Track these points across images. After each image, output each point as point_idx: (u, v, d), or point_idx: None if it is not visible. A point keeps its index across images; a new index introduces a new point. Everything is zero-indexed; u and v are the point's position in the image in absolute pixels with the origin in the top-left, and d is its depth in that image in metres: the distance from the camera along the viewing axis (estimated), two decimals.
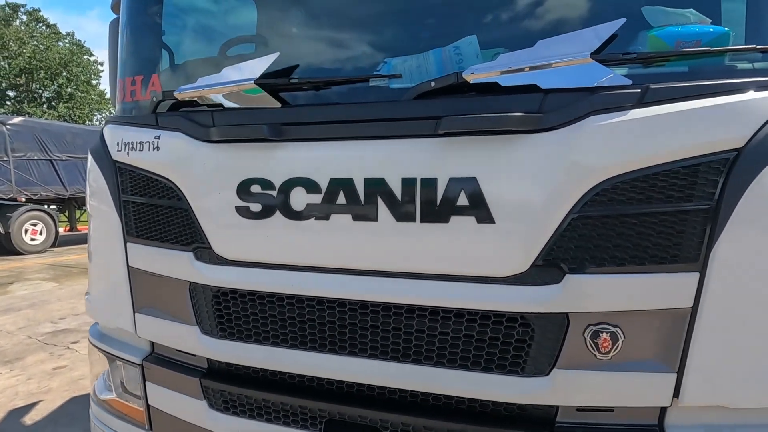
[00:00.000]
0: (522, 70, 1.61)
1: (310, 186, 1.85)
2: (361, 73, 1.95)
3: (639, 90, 1.53)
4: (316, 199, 1.85)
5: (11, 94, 38.34)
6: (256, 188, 1.94)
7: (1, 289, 9.84)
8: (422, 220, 1.71)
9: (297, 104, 1.99)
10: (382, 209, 1.76)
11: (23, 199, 14.50)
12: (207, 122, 2.04)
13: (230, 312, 2.06)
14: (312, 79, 1.92)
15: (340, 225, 1.82)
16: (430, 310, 1.75)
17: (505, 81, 1.63)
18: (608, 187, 1.54)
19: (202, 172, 2.04)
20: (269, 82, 1.93)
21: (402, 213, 1.74)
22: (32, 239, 14.35)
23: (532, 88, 1.60)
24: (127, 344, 2.34)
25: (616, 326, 1.56)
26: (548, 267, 1.61)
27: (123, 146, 2.23)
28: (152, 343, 2.31)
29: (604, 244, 1.55)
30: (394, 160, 1.76)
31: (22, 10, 38.48)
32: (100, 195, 2.31)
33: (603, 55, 1.55)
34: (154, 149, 2.14)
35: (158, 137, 2.14)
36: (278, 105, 1.95)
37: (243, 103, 1.99)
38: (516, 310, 1.65)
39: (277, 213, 1.91)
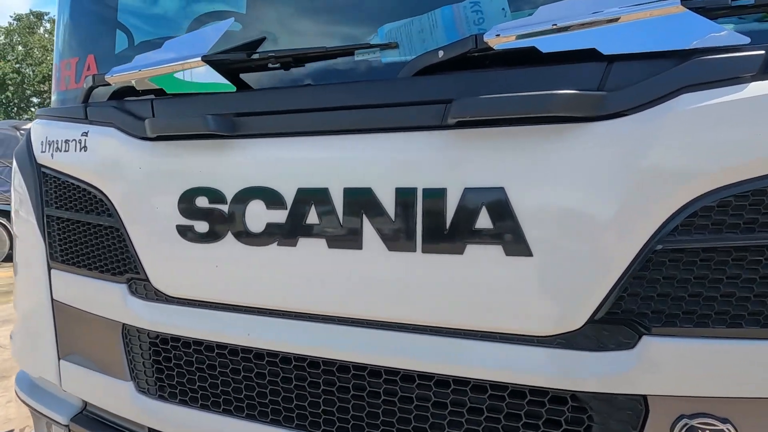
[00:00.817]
0: (573, 27, 1.07)
1: (272, 198, 1.34)
2: (345, 44, 1.42)
3: (762, 52, 0.98)
4: (280, 216, 1.33)
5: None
6: (202, 201, 1.43)
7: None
8: (425, 250, 1.18)
9: (259, 88, 1.48)
10: (369, 233, 1.23)
11: None
12: (145, 114, 1.55)
13: (171, 365, 1.55)
14: (278, 52, 1.40)
15: (311, 254, 1.30)
16: (436, 379, 1.21)
17: (547, 45, 1.09)
18: (712, 203, 0.98)
19: (136, 180, 1.54)
20: (221, 58, 1.42)
21: (396, 239, 1.21)
22: None
23: (589, 55, 1.06)
24: (55, 397, 1.85)
25: (725, 421, 1.00)
26: (614, 324, 1.06)
27: (47, 146, 1.75)
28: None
29: (706, 291, 1.00)
30: (386, 162, 1.23)
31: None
32: (24, 207, 1.83)
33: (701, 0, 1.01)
34: (81, 149, 1.65)
35: (86, 134, 1.65)
36: (232, 89, 1.44)
37: (188, 87, 1.49)
38: (563, 387, 1.10)
39: (229, 235, 1.40)
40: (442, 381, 1.21)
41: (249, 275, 1.39)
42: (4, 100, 34.77)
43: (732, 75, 0.98)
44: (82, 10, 1.97)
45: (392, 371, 1.25)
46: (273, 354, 1.39)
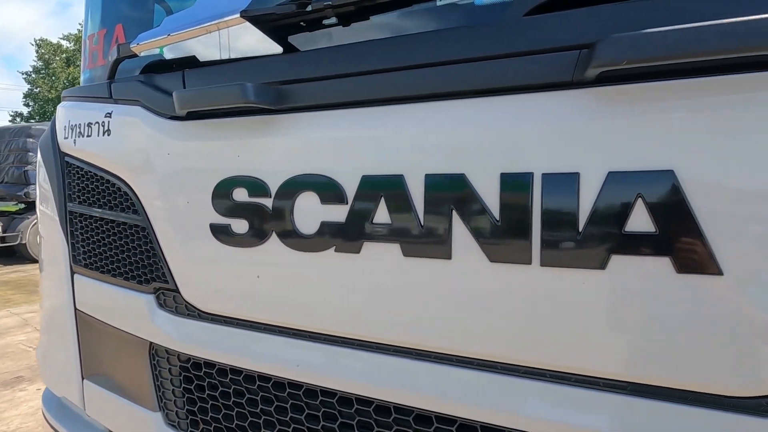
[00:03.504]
0: None
1: (328, 190, 1.01)
2: None
3: None
4: (338, 214, 1.00)
5: None
6: (240, 194, 1.13)
7: None
8: (546, 262, 0.82)
9: (313, 49, 1.17)
10: (460, 236, 0.89)
11: None
12: (175, 88, 1.27)
13: (205, 396, 1.26)
14: (335, 0, 1.07)
15: (380, 264, 0.97)
16: None
17: None
18: None
19: (164, 168, 1.26)
20: (265, 12, 1.11)
21: (501, 245, 0.85)
22: None
23: None
24: (83, 421, 1.60)
25: None
26: None
27: (70, 131, 1.51)
28: None
29: None
30: (487, 138, 0.88)
31: None
32: (47, 203, 1.61)
33: None
34: (103, 133, 1.40)
35: (110, 115, 1.39)
36: (279, 50, 1.13)
37: (225, 51, 1.20)
38: None
39: (273, 237, 1.09)
40: None
41: (298, 289, 1.08)
42: None
43: None
44: None
45: (493, 430, 0.90)
46: (328, 393, 1.07)
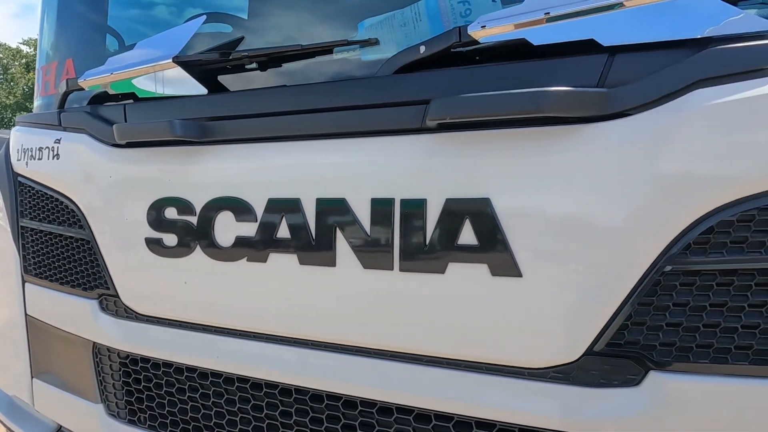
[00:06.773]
0: (568, 16, 0.94)
1: (241, 210, 1.23)
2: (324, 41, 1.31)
3: None
4: (249, 229, 1.22)
5: None
6: (170, 212, 1.33)
7: None
8: (403, 268, 1.05)
9: (231, 91, 1.38)
10: (343, 248, 1.11)
11: None
12: (118, 119, 1.46)
13: (141, 388, 1.45)
14: (251, 51, 1.29)
15: (281, 271, 1.18)
16: (416, 413, 1.08)
17: (539, 36, 0.96)
18: (731, 217, 0.83)
19: (107, 189, 1.45)
20: (193, 59, 1.33)
21: (372, 255, 1.08)
22: None
23: (588, 47, 0.93)
24: (32, 417, 1.76)
25: None
26: (617, 357, 0.92)
27: (23, 154, 1.68)
28: None
29: (730, 322, 0.85)
30: (361, 170, 1.11)
31: None
32: (0, 218, 1.76)
33: None
34: (53, 157, 1.57)
35: (59, 141, 1.57)
36: (204, 91, 1.34)
37: (159, 89, 1.39)
38: (558, 429, 0.95)
39: (197, 249, 1.29)
40: (423, 416, 1.07)
41: (217, 293, 1.28)
42: None
43: (754, 66, 0.83)
44: (67, 11, 1.90)
45: (367, 403, 1.12)
46: (242, 379, 1.27)
